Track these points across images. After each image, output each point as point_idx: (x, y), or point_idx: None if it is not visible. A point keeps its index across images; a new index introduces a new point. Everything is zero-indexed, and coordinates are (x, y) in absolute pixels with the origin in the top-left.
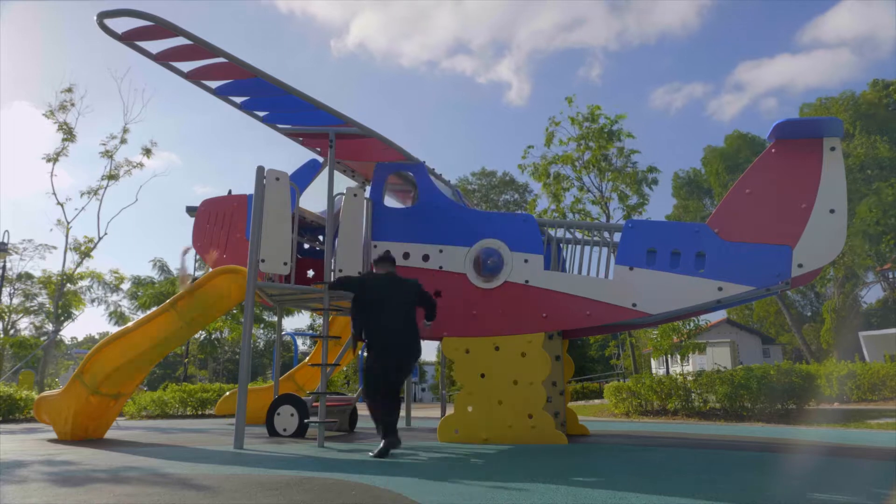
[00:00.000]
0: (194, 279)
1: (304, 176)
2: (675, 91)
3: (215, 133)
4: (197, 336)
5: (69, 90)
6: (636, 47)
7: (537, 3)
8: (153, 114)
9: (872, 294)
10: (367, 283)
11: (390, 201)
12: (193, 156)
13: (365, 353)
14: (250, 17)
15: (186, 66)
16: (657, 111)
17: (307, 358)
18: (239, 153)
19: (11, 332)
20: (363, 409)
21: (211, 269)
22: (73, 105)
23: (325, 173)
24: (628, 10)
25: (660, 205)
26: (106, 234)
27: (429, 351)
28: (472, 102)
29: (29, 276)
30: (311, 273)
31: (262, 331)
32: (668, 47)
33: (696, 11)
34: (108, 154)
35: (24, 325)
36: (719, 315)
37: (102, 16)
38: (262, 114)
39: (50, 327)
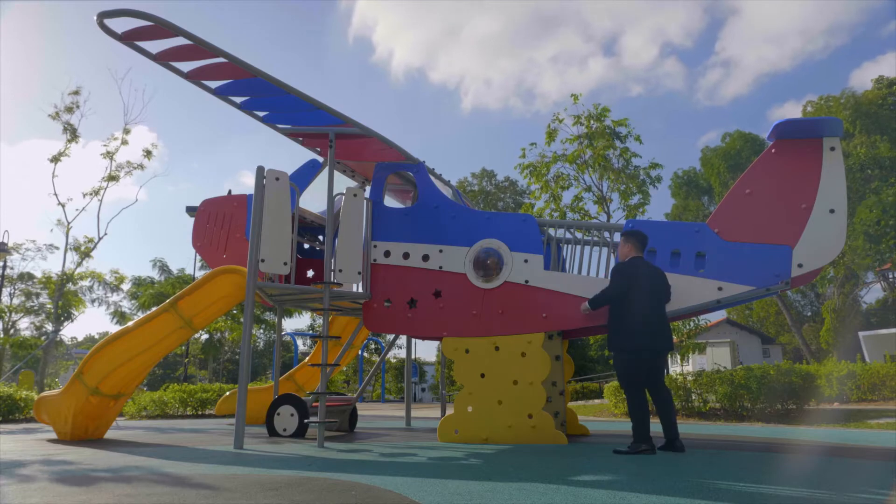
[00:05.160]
0: None
1: (304, 176)
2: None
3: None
4: (197, 336)
5: (76, 92)
6: (701, 108)
7: (627, 78)
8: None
9: (872, 294)
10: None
11: (390, 201)
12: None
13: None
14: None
15: (186, 66)
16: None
17: (307, 358)
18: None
19: (12, 332)
20: (363, 410)
21: (211, 269)
22: (78, 107)
23: (325, 173)
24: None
25: (660, 204)
26: (106, 234)
27: (429, 351)
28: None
29: (30, 277)
30: (311, 273)
31: (262, 331)
32: (732, 109)
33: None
34: (108, 155)
35: (25, 325)
36: (719, 315)
37: (102, 16)
38: (262, 114)
39: (50, 327)
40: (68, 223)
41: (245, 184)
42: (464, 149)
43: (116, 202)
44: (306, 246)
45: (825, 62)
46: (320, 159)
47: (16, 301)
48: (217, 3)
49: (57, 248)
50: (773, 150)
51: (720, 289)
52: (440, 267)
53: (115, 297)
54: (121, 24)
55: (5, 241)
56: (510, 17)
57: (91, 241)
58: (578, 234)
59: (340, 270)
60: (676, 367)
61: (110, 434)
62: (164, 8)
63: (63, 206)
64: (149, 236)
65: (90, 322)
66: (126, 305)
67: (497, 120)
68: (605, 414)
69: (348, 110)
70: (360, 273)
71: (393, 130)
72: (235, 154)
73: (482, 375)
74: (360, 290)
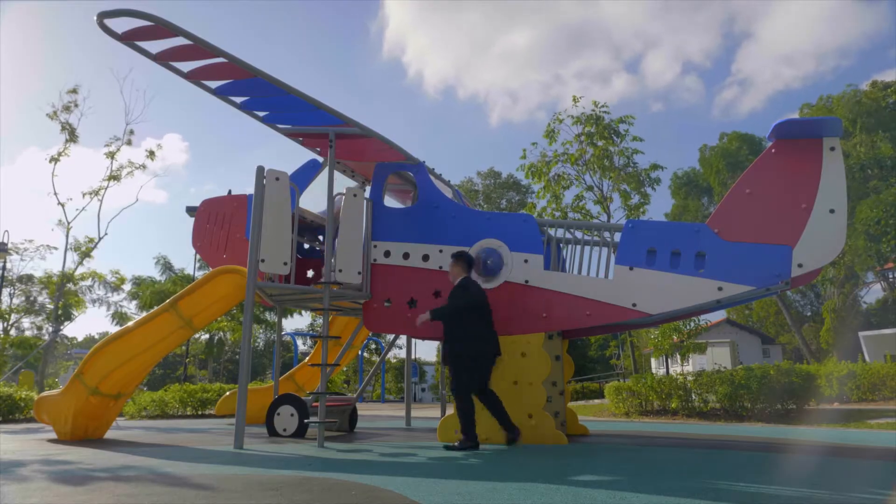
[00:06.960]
0: None
1: (304, 176)
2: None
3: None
4: (197, 336)
5: (74, 91)
6: (717, 122)
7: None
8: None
9: (872, 294)
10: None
11: (390, 201)
12: None
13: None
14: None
15: (186, 66)
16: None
17: (307, 358)
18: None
19: (13, 332)
20: (363, 409)
21: (211, 269)
22: (76, 106)
23: (325, 173)
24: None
25: (660, 204)
26: (106, 234)
27: (429, 351)
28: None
29: (30, 278)
30: (311, 273)
31: (262, 331)
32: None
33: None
34: (111, 155)
35: (26, 324)
36: (719, 315)
37: (102, 16)
38: (262, 114)
39: (49, 328)
40: (68, 223)
41: None
42: (490, 159)
43: (138, 202)
44: (306, 246)
45: (836, 80)
46: (320, 159)
47: (16, 301)
48: (265, 50)
49: (56, 248)
50: (772, 150)
51: (720, 289)
52: (440, 267)
53: (115, 298)
54: (121, 24)
55: (5, 241)
56: (538, 35)
57: (92, 240)
58: (578, 234)
59: (340, 270)
60: (677, 368)
61: (110, 434)
62: (169, 8)
63: (63, 205)
64: (169, 236)
65: (91, 322)
66: (129, 308)
67: (522, 132)
68: (605, 414)
69: (390, 132)
70: (360, 273)
71: (428, 147)
72: (262, 159)
73: None
74: (360, 290)
